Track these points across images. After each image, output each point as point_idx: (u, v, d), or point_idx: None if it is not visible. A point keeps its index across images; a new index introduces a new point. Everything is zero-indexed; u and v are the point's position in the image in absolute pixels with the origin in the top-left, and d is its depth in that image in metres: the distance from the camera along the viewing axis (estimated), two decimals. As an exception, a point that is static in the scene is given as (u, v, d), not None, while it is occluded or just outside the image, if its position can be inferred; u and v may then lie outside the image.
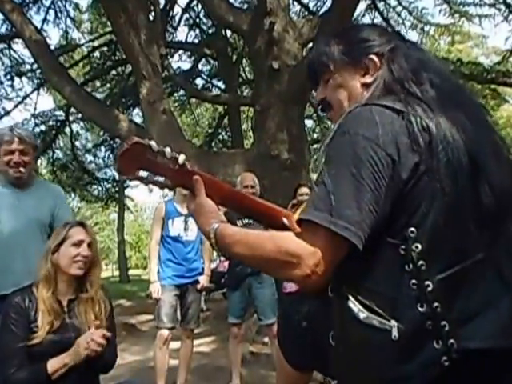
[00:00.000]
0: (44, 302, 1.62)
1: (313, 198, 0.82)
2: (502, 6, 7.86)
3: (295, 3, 8.55)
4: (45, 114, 9.32)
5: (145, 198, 39.91)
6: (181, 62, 41.47)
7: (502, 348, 0.75)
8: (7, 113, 9.18)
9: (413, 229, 0.77)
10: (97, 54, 9.48)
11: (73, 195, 11.67)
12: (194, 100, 11.06)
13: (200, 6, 8.85)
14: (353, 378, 0.85)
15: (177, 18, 9.34)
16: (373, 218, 0.77)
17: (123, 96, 9.23)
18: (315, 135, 11.92)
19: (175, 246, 3.18)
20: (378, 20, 8.31)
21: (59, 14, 8.66)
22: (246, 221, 3.01)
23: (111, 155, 10.27)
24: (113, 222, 27.25)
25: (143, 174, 0.97)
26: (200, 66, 10.65)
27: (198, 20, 9.53)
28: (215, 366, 3.88)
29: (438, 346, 0.74)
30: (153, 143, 0.96)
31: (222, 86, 10.15)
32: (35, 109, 9.46)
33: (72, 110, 8.73)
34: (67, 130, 9.85)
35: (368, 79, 0.96)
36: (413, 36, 9.17)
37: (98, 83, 10.25)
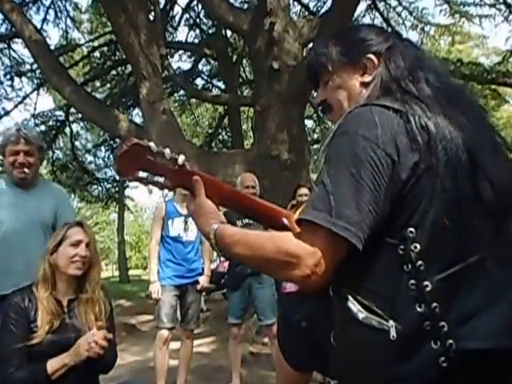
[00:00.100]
0: (43, 302, 1.62)
1: (312, 198, 0.82)
2: (503, 7, 7.86)
3: (295, 3, 8.55)
4: (45, 114, 9.32)
5: (145, 198, 40.02)
6: (181, 62, 41.52)
7: (504, 348, 0.74)
8: (7, 113, 9.17)
9: (412, 229, 0.77)
10: (97, 54, 9.48)
11: (73, 195, 11.65)
12: (194, 100, 11.06)
13: (200, 6, 8.85)
14: (352, 378, 0.85)
15: (177, 18, 9.37)
16: (372, 219, 0.77)
17: (123, 96, 9.22)
18: (315, 135, 11.92)
19: (175, 246, 3.18)
20: (379, 20, 8.32)
21: (59, 14, 8.66)
22: (246, 221, 3.01)
23: (111, 155, 10.27)
24: (113, 222, 27.24)
25: (143, 174, 0.97)
26: (200, 66, 10.68)
27: (198, 20, 9.53)
28: (215, 367, 3.88)
29: (436, 347, 0.74)
30: (152, 144, 0.96)
31: (222, 86, 10.15)
32: (35, 109, 9.47)
33: (72, 110, 8.73)
34: (67, 130, 9.84)
35: (367, 78, 0.96)
36: (413, 36, 9.18)
37: (97, 83, 10.25)
